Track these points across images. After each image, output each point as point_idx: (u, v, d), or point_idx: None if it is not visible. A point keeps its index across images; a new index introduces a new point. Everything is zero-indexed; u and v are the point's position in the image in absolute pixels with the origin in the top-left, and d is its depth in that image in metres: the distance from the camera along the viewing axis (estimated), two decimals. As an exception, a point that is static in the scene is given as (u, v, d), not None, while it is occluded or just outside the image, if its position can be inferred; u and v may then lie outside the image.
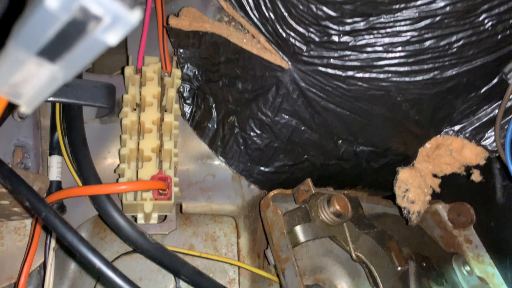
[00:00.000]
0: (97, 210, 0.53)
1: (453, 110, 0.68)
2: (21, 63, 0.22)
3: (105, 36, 0.20)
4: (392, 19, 0.57)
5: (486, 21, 0.57)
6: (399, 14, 0.56)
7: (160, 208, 0.60)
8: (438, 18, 0.57)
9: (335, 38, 0.60)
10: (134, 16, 0.20)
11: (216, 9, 0.66)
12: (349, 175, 0.75)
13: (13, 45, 0.21)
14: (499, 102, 0.67)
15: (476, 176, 0.70)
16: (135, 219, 0.61)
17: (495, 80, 0.65)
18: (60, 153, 0.60)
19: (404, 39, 0.59)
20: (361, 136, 0.70)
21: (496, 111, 0.67)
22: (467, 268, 0.67)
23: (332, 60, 0.61)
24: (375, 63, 0.61)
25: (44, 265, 0.56)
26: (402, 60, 0.60)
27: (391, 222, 0.73)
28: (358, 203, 0.68)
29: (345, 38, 0.59)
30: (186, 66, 0.66)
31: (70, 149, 0.58)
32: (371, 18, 0.57)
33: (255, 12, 0.61)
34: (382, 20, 0.57)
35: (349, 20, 0.58)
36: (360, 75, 0.62)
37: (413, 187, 0.68)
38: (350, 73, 0.62)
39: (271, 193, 0.62)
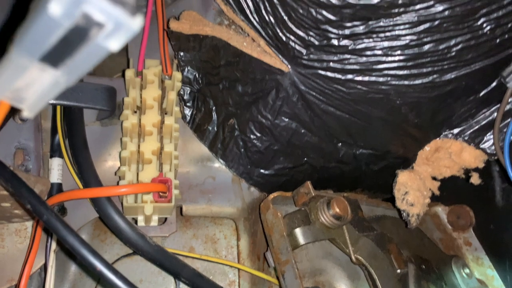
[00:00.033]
0: (98, 212, 0.54)
1: (452, 113, 0.68)
2: (24, 69, 0.22)
3: (107, 42, 0.21)
4: (391, 23, 0.57)
5: (484, 25, 0.58)
6: (398, 18, 0.57)
7: (161, 211, 0.60)
8: (437, 22, 0.57)
9: (335, 42, 0.60)
10: (136, 22, 0.20)
11: (216, 13, 0.67)
12: (349, 177, 0.76)
13: (16, 50, 0.21)
14: (498, 105, 0.67)
15: (475, 179, 0.70)
16: (136, 222, 0.61)
17: (494, 84, 0.65)
18: (61, 156, 0.60)
19: (403, 42, 0.59)
20: (360, 139, 0.70)
21: (495, 114, 0.68)
22: (467, 270, 0.68)
23: (331, 64, 0.62)
24: (374, 67, 0.61)
25: (44, 267, 0.56)
26: (401, 64, 0.61)
27: (390, 224, 0.73)
28: (357, 205, 0.68)
29: (345, 42, 0.60)
30: (186, 69, 0.66)
31: (71, 151, 0.58)
32: (370, 22, 0.58)
33: (255, 16, 0.62)
34: (381, 24, 0.58)
35: (348, 24, 0.58)
36: (359, 78, 0.62)
37: (413, 189, 0.68)
38: (349, 76, 0.62)
39: (271, 196, 0.62)
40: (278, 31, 0.61)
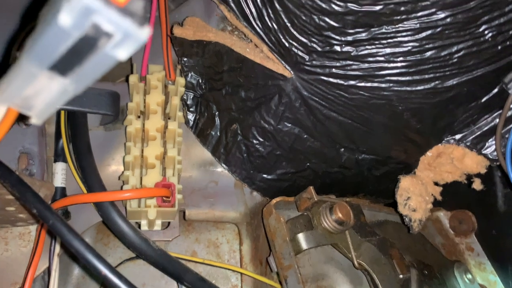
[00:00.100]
0: (101, 216, 0.54)
1: (454, 119, 0.68)
2: (34, 77, 0.23)
3: (115, 51, 0.21)
4: (393, 30, 0.58)
5: (486, 32, 0.58)
6: (400, 25, 0.57)
7: (164, 215, 0.60)
8: (439, 29, 0.57)
9: (337, 48, 0.60)
10: (144, 33, 0.20)
11: (219, 19, 0.67)
12: (351, 183, 0.76)
13: (26, 59, 0.22)
14: (500, 111, 0.68)
15: (477, 185, 0.70)
16: (139, 226, 0.62)
17: (496, 90, 0.66)
18: (64, 160, 0.61)
19: (405, 49, 0.59)
20: (362, 144, 0.70)
21: (497, 120, 0.68)
22: (469, 276, 0.68)
23: (334, 70, 0.62)
24: (376, 73, 0.61)
25: (48, 271, 0.56)
26: (403, 70, 0.61)
27: (392, 229, 0.73)
28: (360, 210, 0.68)
29: (347, 48, 0.60)
30: (189, 75, 0.67)
31: (75, 156, 0.59)
32: (372, 29, 0.58)
33: (258, 22, 0.62)
34: (383, 30, 0.58)
35: (351, 31, 0.59)
36: (361, 84, 0.63)
37: (415, 195, 0.68)
38: (352, 82, 0.63)
39: (274, 201, 0.62)
40: (281, 37, 0.62)
